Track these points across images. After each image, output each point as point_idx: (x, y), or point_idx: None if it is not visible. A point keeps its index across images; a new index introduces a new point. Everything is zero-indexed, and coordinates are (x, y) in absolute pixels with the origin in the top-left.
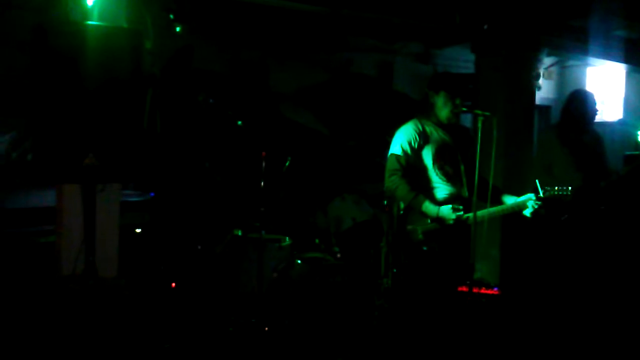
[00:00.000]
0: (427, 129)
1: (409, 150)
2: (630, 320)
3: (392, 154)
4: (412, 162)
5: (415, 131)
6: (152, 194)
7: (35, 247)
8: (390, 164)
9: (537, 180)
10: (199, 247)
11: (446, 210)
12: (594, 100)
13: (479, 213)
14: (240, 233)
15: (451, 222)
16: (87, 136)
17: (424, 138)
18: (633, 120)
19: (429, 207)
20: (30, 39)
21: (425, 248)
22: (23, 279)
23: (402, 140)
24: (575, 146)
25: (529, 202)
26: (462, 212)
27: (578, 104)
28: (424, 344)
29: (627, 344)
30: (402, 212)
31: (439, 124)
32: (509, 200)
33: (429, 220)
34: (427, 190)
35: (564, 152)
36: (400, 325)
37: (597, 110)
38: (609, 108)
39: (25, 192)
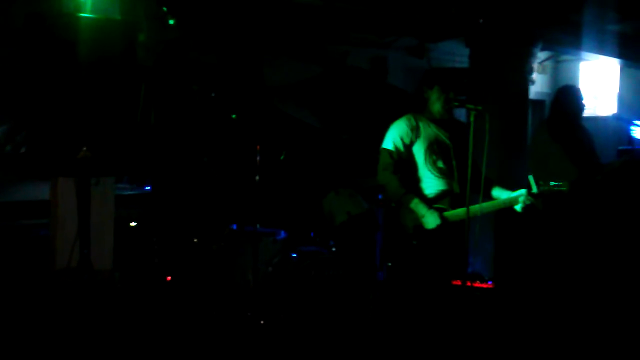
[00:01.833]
0: (421, 124)
1: (400, 146)
2: (625, 314)
3: (384, 149)
4: (404, 157)
5: (408, 126)
6: (149, 187)
7: (29, 240)
8: (383, 159)
9: (530, 176)
10: (195, 240)
11: (431, 217)
12: (582, 95)
13: (471, 209)
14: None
15: (433, 226)
16: (81, 129)
17: (416, 133)
18: (627, 114)
19: (418, 205)
20: (23, 31)
21: (415, 242)
22: (17, 272)
23: (394, 135)
24: (568, 142)
25: (520, 198)
26: (452, 211)
27: (567, 100)
28: (418, 337)
29: (622, 338)
30: (393, 205)
31: (433, 119)
32: (501, 194)
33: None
34: (418, 185)
35: (557, 148)
36: (394, 318)
37: (584, 105)
38: (602, 103)
39: (18, 185)
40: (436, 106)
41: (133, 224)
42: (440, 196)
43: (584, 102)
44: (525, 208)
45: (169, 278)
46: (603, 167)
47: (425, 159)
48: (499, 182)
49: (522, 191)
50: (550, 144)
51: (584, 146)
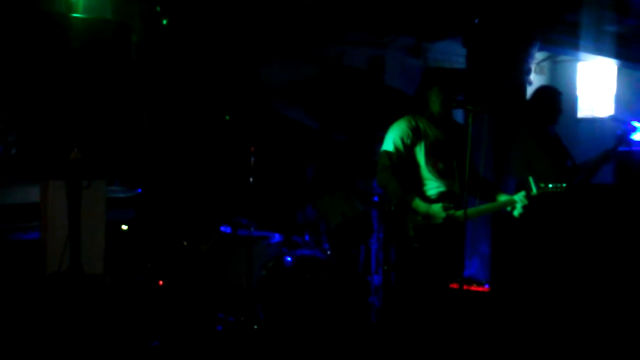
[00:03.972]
0: (421, 125)
1: (401, 147)
2: (623, 316)
3: (384, 150)
4: (404, 158)
5: (408, 127)
6: (140, 190)
7: (19, 244)
8: (382, 161)
9: (530, 177)
10: (185, 243)
11: (437, 208)
12: (560, 97)
13: (469, 211)
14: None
15: (440, 220)
16: (72, 131)
17: (416, 134)
18: (624, 116)
19: (419, 204)
20: (13, 31)
21: (416, 245)
22: (7, 276)
23: (394, 136)
24: (547, 142)
25: (518, 199)
26: (453, 210)
27: (547, 101)
28: (416, 341)
29: (620, 342)
30: (393, 208)
31: (433, 120)
32: (502, 198)
33: (419, 217)
34: (419, 187)
35: (540, 148)
36: (391, 322)
37: (561, 108)
38: (600, 104)
39: (8, 187)
40: (435, 106)
41: (124, 227)
42: (441, 197)
43: (561, 104)
44: (523, 213)
45: (161, 282)
46: (579, 168)
47: (426, 160)
48: (497, 182)
49: (521, 193)
50: (533, 144)
51: (559, 148)
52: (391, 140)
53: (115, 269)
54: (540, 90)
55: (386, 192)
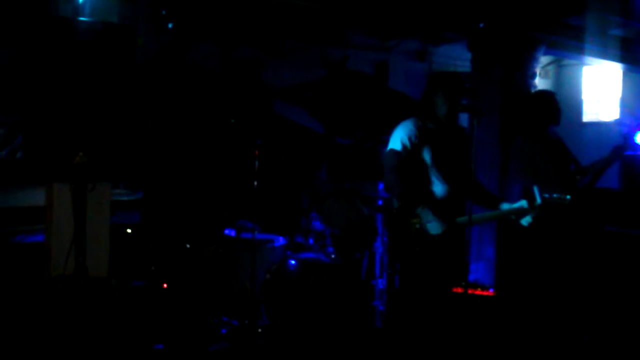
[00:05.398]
0: (427, 126)
1: (408, 145)
2: (628, 321)
3: (391, 150)
4: (411, 157)
5: (416, 126)
6: (142, 194)
7: (24, 247)
8: (389, 160)
9: (535, 187)
10: (187, 245)
11: (436, 223)
12: (556, 97)
13: (473, 217)
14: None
15: (437, 231)
16: (77, 134)
17: (423, 134)
18: (630, 120)
19: (424, 210)
20: (20, 35)
21: (417, 249)
22: (12, 279)
23: (402, 135)
24: (549, 145)
25: (526, 210)
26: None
27: (544, 103)
28: (420, 345)
29: (623, 346)
30: (395, 211)
31: (438, 124)
32: (506, 207)
33: (422, 221)
34: (424, 187)
35: (541, 151)
36: (395, 326)
37: (560, 108)
38: (605, 108)
39: (14, 190)
40: (441, 111)
41: (129, 230)
42: (445, 200)
43: (559, 104)
44: (532, 223)
45: (165, 285)
46: (587, 169)
47: (432, 161)
48: (501, 186)
49: (522, 202)
50: (534, 149)
51: (564, 150)
52: (398, 139)
53: (119, 272)
54: (536, 95)
55: (392, 194)
